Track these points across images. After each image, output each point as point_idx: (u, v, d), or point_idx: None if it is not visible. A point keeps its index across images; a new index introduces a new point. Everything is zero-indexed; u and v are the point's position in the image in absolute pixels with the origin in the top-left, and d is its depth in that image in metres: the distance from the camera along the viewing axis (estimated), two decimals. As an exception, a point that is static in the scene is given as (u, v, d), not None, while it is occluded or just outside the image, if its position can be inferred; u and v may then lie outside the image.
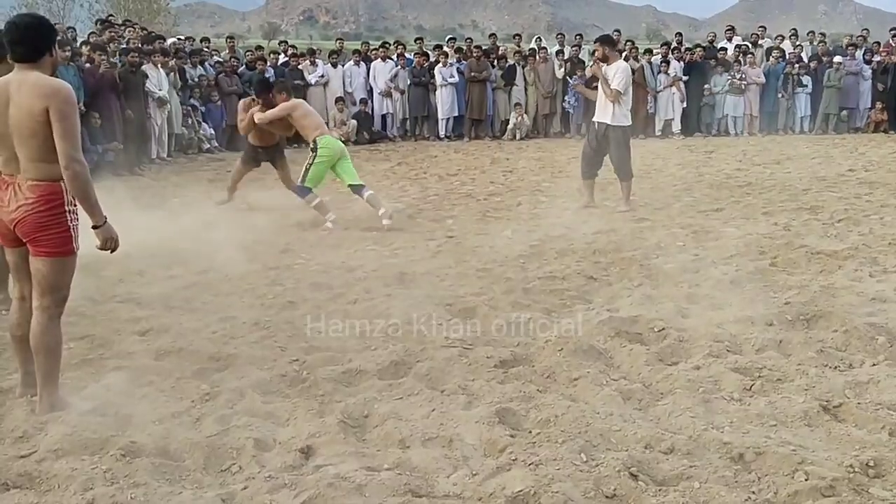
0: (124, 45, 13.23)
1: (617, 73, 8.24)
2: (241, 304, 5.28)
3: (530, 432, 3.33)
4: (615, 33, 18.13)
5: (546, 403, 3.57)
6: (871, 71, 16.83)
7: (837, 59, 16.77)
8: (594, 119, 8.57)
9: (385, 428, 3.42)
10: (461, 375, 3.99)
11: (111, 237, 3.60)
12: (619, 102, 8.23)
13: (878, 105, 16.60)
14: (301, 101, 8.66)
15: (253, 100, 8.73)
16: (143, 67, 12.43)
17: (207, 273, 6.14)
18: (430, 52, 16.88)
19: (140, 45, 13.11)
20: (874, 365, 3.98)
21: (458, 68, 16.14)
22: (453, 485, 2.93)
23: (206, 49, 15.91)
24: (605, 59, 8.34)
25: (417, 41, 17.71)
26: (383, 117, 16.43)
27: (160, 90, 12.68)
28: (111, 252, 3.68)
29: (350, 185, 8.11)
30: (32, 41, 3.39)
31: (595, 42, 9.20)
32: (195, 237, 7.51)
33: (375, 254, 6.80)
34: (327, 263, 6.44)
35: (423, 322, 4.84)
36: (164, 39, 15.38)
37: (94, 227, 3.57)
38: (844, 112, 16.97)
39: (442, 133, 16.30)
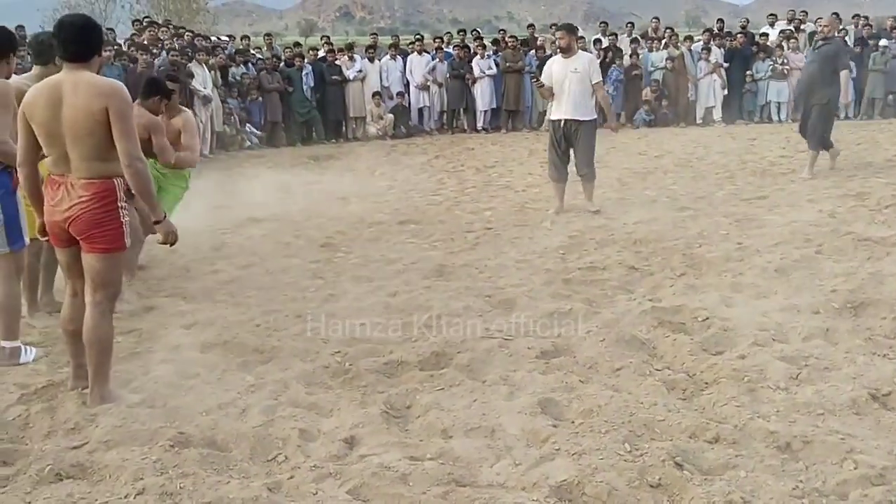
0: (168, 45, 13.46)
1: (591, 64, 7.75)
2: (283, 298, 5.34)
3: (573, 422, 3.32)
4: (654, 20, 17.96)
5: (589, 394, 3.56)
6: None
7: (883, 42, 16.36)
8: (558, 118, 7.74)
9: (427, 418, 3.44)
10: (502, 366, 3.99)
11: (172, 231, 3.70)
12: (590, 97, 7.71)
13: (927, 88, 16.17)
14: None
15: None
16: (189, 66, 12.61)
17: (250, 268, 6.23)
18: (470, 45, 16.84)
19: (183, 46, 13.30)
20: (925, 353, 3.89)
21: (494, 60, 16.10)
22: (496, 474, 2.94)
23: (251, 49, 16.08)
24: (569, 49, 7.63)
25: (460, 33, 17.64)
26: (420, 111, 16.45)
27: (205, 88, 12.86)
28: (171, 245, 3.76)
29: None
30: (85, 40, 3.46)
31: (557, 31, 8.80)
32: (237, 233, 7.62)
33: (414, 246, 6.83)
34: (366, 256, 6.48)
35: (462, 314, 4.85)
36: (208, 41, 15.55)
37: (156, 223, 3.64)
38: (891, 96, 16.57)
39: (479, 125, 16.27)
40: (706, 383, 3.69)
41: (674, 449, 2.97)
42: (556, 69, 7.69)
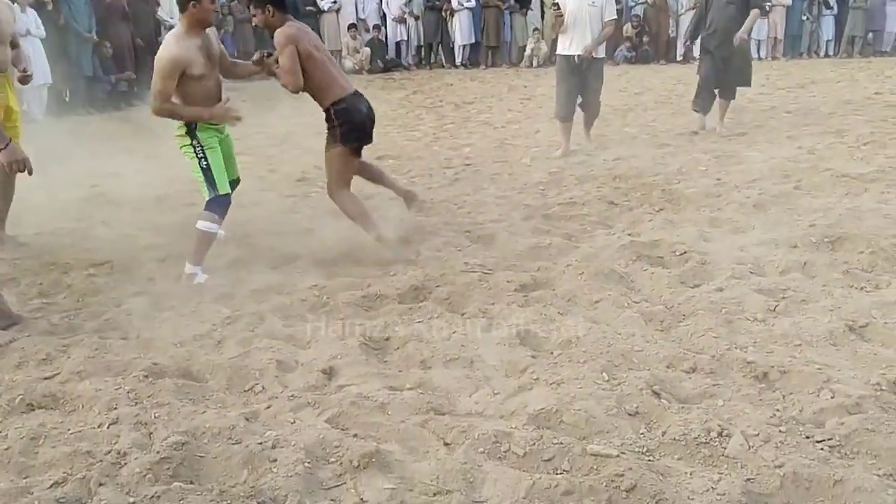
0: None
1: (609, 2, 7.41)
2: (258, 231, 5.26)
3: (552, 353, 3.31)
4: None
5: (567, 325, 3.55)
6: (900, -9, 16.30)
7: (865, -21, 16.24)
8: (572, 52, 7.37)
9: (406, 350, 3.42)
10: (481, 299, 3.97)
11: (17, 159, 3.58)
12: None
13: (907, 27, 16.11)
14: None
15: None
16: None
17: (224, 201, 6.11)
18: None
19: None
20: (901, 286, 3.91)
21: (473, -7, 15.80)
22: (475, 403, 2.94)
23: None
24: None
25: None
26: (397, 44, 16.15)
27: (171, 18, 12.48)
28: (22, 172, 3.65)
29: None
30: None
31: None
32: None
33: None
34: (344, 191, 6.37)
35: (442, 249, 4.81)
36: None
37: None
38: (871, 35, 16.50)
39: (458, 61, 16.02)
40: (684, 315, 3.69)
41: (651, 378, 2.97)
42: (571, 2, 7.32)
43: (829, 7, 16.22)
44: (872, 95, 10.81)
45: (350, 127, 4.65)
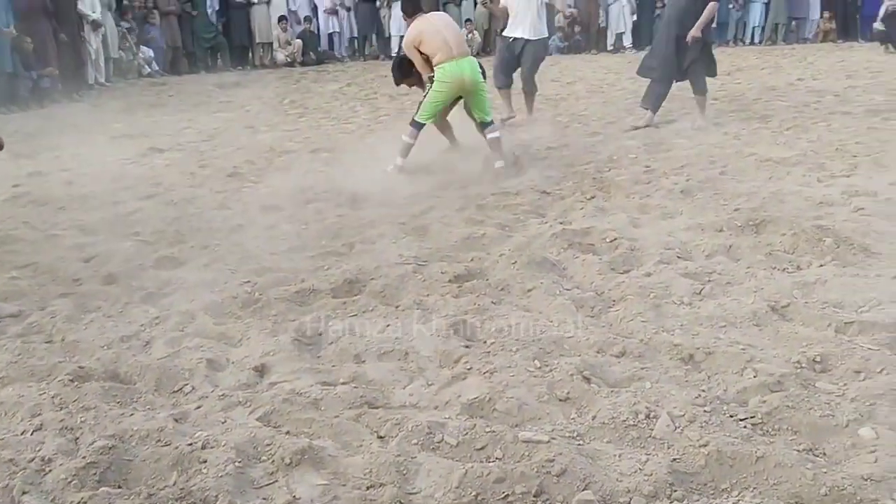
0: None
1: None
2: (189, 229, 5.16)
3: (485, 342, 3.33)
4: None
5: (500, 314, 3.58)
6: (820, -20, 16.81)
7: (786, -33, 16.71)
8: (511, 35, 8.37)
9: (340, 344, 3.40)
10: (416, 291, 3.97)
11: None
12: (542, 17, 8.44)
13: (826, 14, 16.63)
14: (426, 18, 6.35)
15: None
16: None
17: (153, 198, 5.99)
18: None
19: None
20: (821, 266, 4.04)
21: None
22: (409, 395, 2.94)
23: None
24: None
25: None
26: (330, 36, 16.01)
27: (93, 12, 12.13)
28: None
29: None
30: None
31: None
32: (138, 163, 7.32)
33: (326, 176, 6.68)
34: (276, 186, 6.31)
35: (376, 241, 4.80)
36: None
37: None
38: (794, 22, 16.99)
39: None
40: (614, 301, 3.75)
41: (582, 364, 3.02)
42: None
43: (760, -5, 16.66)
44: (795, 81, 11.14)
45: None
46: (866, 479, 2.30)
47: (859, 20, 16.71)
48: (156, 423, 2.70)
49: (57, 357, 3.28)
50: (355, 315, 3.71)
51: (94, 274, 4.32)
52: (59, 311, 3.78)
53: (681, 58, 7.81)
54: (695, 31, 7.64)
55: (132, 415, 2.79)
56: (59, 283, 4.22)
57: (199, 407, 2.87)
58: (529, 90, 8.66)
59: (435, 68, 6.20)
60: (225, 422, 2.74)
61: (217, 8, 14.65)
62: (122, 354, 3.31)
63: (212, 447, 2.54)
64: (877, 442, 2.49)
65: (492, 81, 8.04)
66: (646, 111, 8.20)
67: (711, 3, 7.67)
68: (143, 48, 13.77)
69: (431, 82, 6.27)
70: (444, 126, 6.76)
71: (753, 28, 16.95)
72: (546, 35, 8.67)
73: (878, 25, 14.50)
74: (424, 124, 6.38)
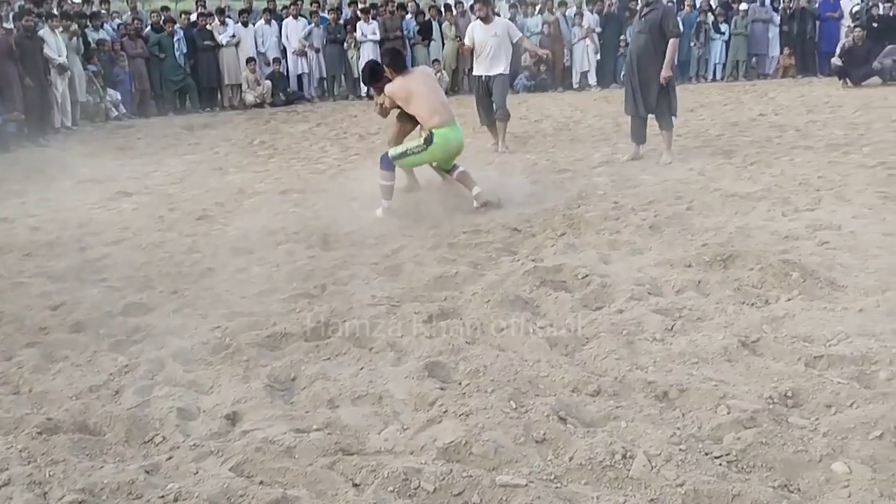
0: (16, 10, 12.52)
1: (509, 27, 9.48)
2: (158, 273, 5.11)
3: (460, 384, 3.32)
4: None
5: (475, 354, 3.57)
6: (779, 17, 17.25)
7: (743, 6, 17.14)
8: (480, 73, 9.44)
9: (313, 389, 3.37)
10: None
11: None
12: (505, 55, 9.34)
13: (786, 50, 17.05)
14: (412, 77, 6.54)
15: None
16: (40, 33, 11.80)
17: (121, 243, 5.93)
18: (343, 8, 16.55)
19: (31, 8, 12.40)
20: (789, 300, 4.10)
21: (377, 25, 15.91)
22: (384, 440, 2.91)
23: (103, 11, 15.17)
24: (487, 18, 9.24)
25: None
26: (299, 77, 16.08)
27: (59, 56, 12.08)
28: None
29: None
30: None
31: (475, 3, 9.61)
32: (105, 207, 7.25)
33: (297, 216, 6.67)
34: (247, 228, 6.28)
35: (348, 282, 4.78)
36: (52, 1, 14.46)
37: None
38: (754, 59, 17.40)
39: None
40: (587, 338, 3.77)
41: (557, 404, 3.02)
42: (478, 33, 9.31)
43: (720, 32, 17.01)
44: (757, 117, 11.38)
45: None
46: (841, 515, 2.31)
47: (818, 56, 17.17)
48: (126, 475, 2.64)
49: (24, 409, 3.22)
50: (328, 358, 3.68)
51: (61, 322, 4.26)
52: (25, 361, 3.71)
53: (646, 94, 8.08)
54: (665, 72, 7.92)
55: (102, 467, 2.74)
56: (26, 332, 4.15)
57: (170, 458, 2.82)
58: (501, 117, 9.32)
59: (433, 131, 6.32)
60: (197, 472, 2.70)
61: (185, 51, 14.68)
62: (90, 405, 3.25)
63: (184, 499, 2.49)
64: (850, 477, 2.51)
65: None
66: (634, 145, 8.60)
67: (672, 41, 7.98)
68: (111, 91, 13.72)
69: (427, 142, 6.35)
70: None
71: (715, 65, 17.33)
72: (505, 70, 9.38)
73: (835, 61, 14.90)
74: (395, 166, 6.44)
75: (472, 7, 10.41)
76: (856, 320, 3.76)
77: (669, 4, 11.08)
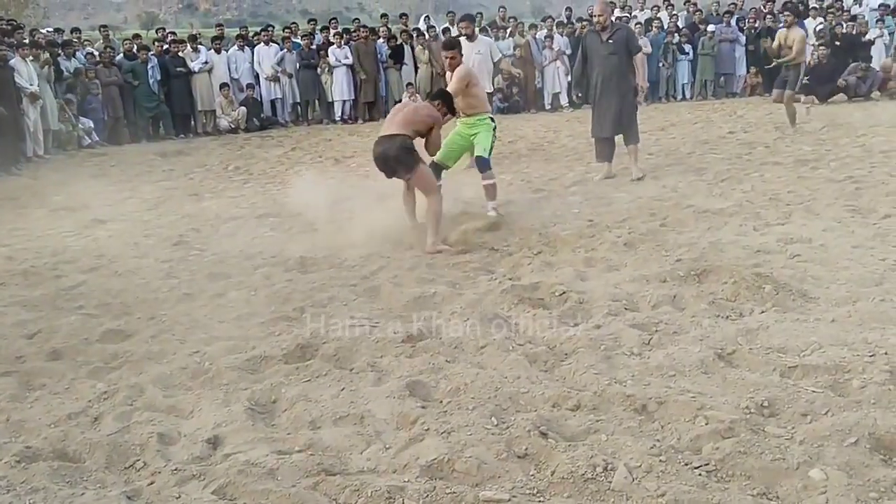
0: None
1: (491, 45, 10.08)
2: (135, 300, 5.08)
3: (441, 402, 3.34)
4: (500, 10, 18.29)
5: (455, 373, 3.59)
6: (745, 37, 17.58)
7: (711, 27, 17.46)
8: None
9: (294, 411, 3.37)
10: (369, 353, 3.97)
11: None
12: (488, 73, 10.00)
13: (753, 69, 17.36)
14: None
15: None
16: (11, 62, 11.74)
17: (96, 270, 5.89)
18: (316, 34, 16.64)
19: (2, 38, 12.34)
20: (762, 312, 4.18)
21: (349, 49, 16.00)
22: (367, 460, 2.92)
23: (74, 40, 15.12)
24: (473, 35, 9.66)
25: (311, 22, 17.43)
26: (272, 103, 16.11)
27: (31, 85, 12.02)
28: None
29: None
30: None
31: (461, 21, 10.15)
32: (81, 235, 7.20)
33: (274, 239, 6.67)
34: (224, 253, 6.26)
35: (327, 304, 4.79)
36: (22, 29, 14.36)
37: None
38: (722, 78, 17.70)
39: (337, 116, 16.12)
40: (566, 354, 3.80)
41: (538, 419, 3.04)
42: (463, 51, 8.91)
43: (684, 53, 17.30)
44: (727, 135, 11.55)
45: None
46: (819, 520, 2.35)
47: (783, 74, 17.49)
48: (108, 501, 2.63)
49: (2, 437, 3.18)
50: (308, 380, 3.69)
51: (37, 351, 4.22)
52: (2, 389, 3.68)
53: (618, 112, 8.36)
54: (642, 82, 8.40)
55: (83, 494, 2.72)
56: (2, 361, 4.10)
57: (151, 483, 2.80)
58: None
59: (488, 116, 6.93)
60: (179, 497, 2.69)
61: (159, 77, 14.67)
62: (70, 432, 3.22)
63: (167, 524, 2.48)
64: (826, 483, 2.55)
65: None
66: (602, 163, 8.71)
67: (638, 56, 8.42)
68: (83, 119, 13.66)
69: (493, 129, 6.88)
70: (411, 198, 6.58)
71: (683, 84, 17.60)
72: (487, 88, 9.73)
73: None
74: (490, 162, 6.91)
75: (458, 24, 10.53)
76: (828, 330, 3.83)
77: (628, 25, 11.51)
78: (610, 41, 8.33)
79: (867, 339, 3.67)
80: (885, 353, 3.46)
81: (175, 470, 2.88)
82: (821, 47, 15.31)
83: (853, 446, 2.75)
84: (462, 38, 9.54)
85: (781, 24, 11.80)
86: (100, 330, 4.51)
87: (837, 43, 15.99)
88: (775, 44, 10.79)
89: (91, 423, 3.35)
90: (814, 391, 3.20)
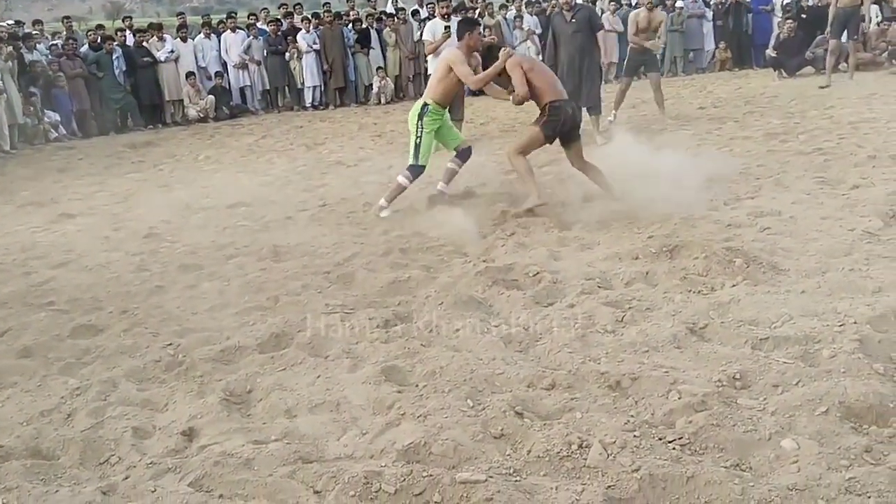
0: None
1: None
2: (106, 294, 5.03)
3: (417, 386, 3.34)
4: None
5: (430, 356, 3.59)
6: (712, 13, 17.65)
7: (679, 3, 17.50)
8: None
9: (270, 400, 3.36)
10: (344, 340, 3.96)
11: None
12: None
13: (722, 44, 17.45)
14: None
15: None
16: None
17: (66, 265, 5.82)
18: (281, 20, 16.46)
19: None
20: (734, 286, 4.21)
21: (316, 35, 15.85)
22: (344, 446, 2.92)
23: (35, 32, 14.84)
24: (450, 15, 9.84)
25: (282, 7, 17.20)
26: (241, 90, 15.95)
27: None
28: None
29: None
30: None
31: (441, 1, 10.23)
32: (49, 230, 7.11)
33: (246, 230, 6.62)
34: (195, 244, 6.20)
35: (301, 292, 4.77)
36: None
37: None
38: (691, 53, 17.77)
39: (308, 102, 15.99)
40: (540, 334, 3.82)
41: (514, 399, 3.06)
42: (438, 30, 9.68)
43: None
44: (697, 111, 11.62)
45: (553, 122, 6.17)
46: (791, 489, 2.39)
47: (752, 49, 17.60)
48: (83, 497, 2.61)
49: (-28, 438, 3.14)
50: (284, 369, 3.67)
51: (7, 349, 4.17)
52: (-29, 389, 3.63)
53: (587, 87, 9.23)
54: (607, 58, 9.42)
55: (57, 491, 2.69)
56: (-29, 360, 4.05)
57: (126, 477, 2.78)
58: (457, 117, 9.61)
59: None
60: (155, 490, 2.67)
61: (124, 68, 14.45)
62: (42, 429, 3.19)
63: (143, 518, 2.47)
64: (798, 452, 2.59)
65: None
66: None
67: (602, 33, 9.45)
68: (49, 112, 13.44)
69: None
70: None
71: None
72: None
73: (770, 52, 15.29)
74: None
75: (439, 4, 10.41)
76: (798, 302, 3.88)
77: (590, 5, 12.13)
78: (573, 20, 9.18)
79: (836, 308, 3.72)
80: (854, 323, 3.51)
81: (150, 463, 2.86)
82: (788, 21, 15.40)
83: (824, 415, 2.79)
84: (437, 20, 10.03)
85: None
86: (71, 325, 4.45)
87: (804, 16, 16.09)
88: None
89: (64, 420, 3.32)
90: (785, 362, 3.23)
